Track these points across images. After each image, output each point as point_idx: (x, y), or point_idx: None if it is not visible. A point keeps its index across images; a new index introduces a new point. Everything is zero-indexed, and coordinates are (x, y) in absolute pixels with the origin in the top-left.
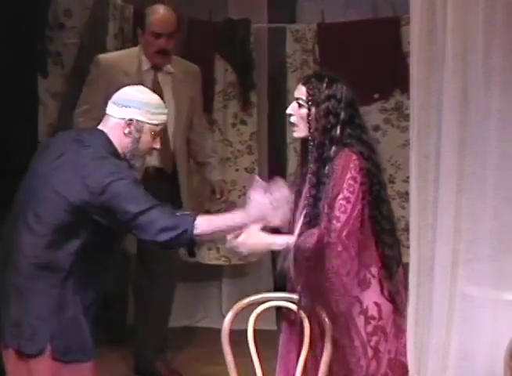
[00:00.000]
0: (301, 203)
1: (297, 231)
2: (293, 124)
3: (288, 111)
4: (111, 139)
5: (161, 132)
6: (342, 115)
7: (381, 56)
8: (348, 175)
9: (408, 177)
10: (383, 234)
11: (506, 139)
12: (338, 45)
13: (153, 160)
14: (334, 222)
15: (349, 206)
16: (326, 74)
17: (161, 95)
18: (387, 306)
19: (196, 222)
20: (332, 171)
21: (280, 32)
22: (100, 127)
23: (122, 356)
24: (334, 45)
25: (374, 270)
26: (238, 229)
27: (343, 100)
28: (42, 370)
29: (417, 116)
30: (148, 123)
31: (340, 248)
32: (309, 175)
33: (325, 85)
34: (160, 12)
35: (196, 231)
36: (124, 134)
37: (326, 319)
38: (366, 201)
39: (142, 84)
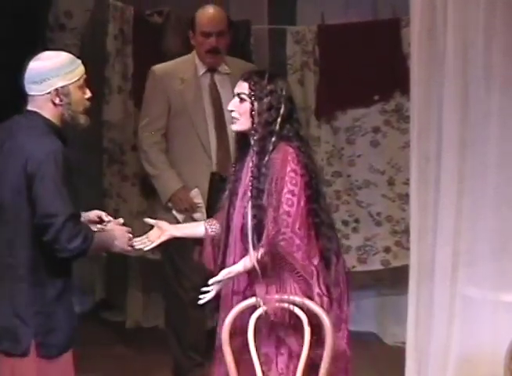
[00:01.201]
0: (238, 201)
1: (250, 229)
2: (233, 119)
3: (230, 107)
4: (45, 115)
5: (86, 82)
6: (282, 110)
7: (381, 58)
8: (288, 168)
9: (408, 179)
10: (322, 227)
11: (506, 140)
12: (338, 47)
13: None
14: (285, 217)
15: (295, 198)
16: (266, 70)
17: (219, 98)
18: (325, 298)
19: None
20: (270, 163)
21: (280, 34)
22: (31, 108)
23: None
24: (334, 46)
25: (316, 262)
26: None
27: (283, 95)
28: (28, 369)
29: (417, 117)
30: (71, 83)
31: (298, 241)
32: (251, 168)
33: (266, 81)
34: (208, 11)
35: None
36: (56, 104)
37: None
38: (306, 194)
39: (199, 89)
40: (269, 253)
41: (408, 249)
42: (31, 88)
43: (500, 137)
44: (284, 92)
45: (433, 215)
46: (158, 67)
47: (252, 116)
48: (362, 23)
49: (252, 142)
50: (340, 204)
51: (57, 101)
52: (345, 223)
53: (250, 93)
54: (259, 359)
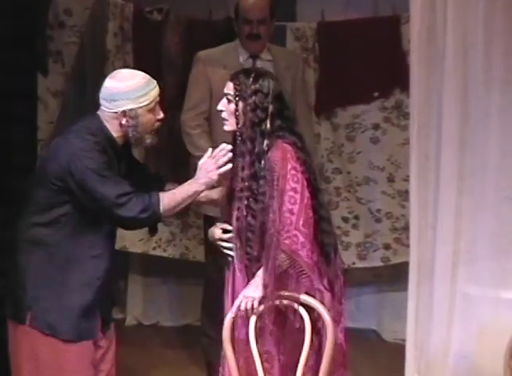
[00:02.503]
0: (236, 201)
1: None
2: (224, 119)
3: (219, 107)
4: (107, 126)
5: (158, 103)
6: (270, 108)
7: (381, 55)
8: (289, 166)
9: (408, 176)
10: (321, 222)
11: (506, 139)
12: (338, 44)
13: None
14: (288, 215)
15: (298, 196)
16: (253, 70)
17: None
18: (327, 294)
19: (160, 201)
20: (269, 164)
21: (280, 30)
22: (98, 113)
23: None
24: (334, 43)
25: (315, 257)
26: (194, 198)
27: (270, 94)
28: (23, 338)
29: (417, 115)
30: (141, 107)
31: (302, 239)
32: (245, 170)
33: (251, 80)
34: None
35: (162, 209)
36: (122, 124)
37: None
38: (308, 191)
39: None
40: (274, 255)
41: (407, 246)
42: (102, 103)
43: (500, 135)
44: (271, 91)
45: (433, 213)
46: (202, 53)
47: (236, 117)
48: (362, 20)
49: (238, 143)
50: (340, 201)
51: (124, 122)
52: (345, 220)
53: (234, 93)
54: (261, 357)
